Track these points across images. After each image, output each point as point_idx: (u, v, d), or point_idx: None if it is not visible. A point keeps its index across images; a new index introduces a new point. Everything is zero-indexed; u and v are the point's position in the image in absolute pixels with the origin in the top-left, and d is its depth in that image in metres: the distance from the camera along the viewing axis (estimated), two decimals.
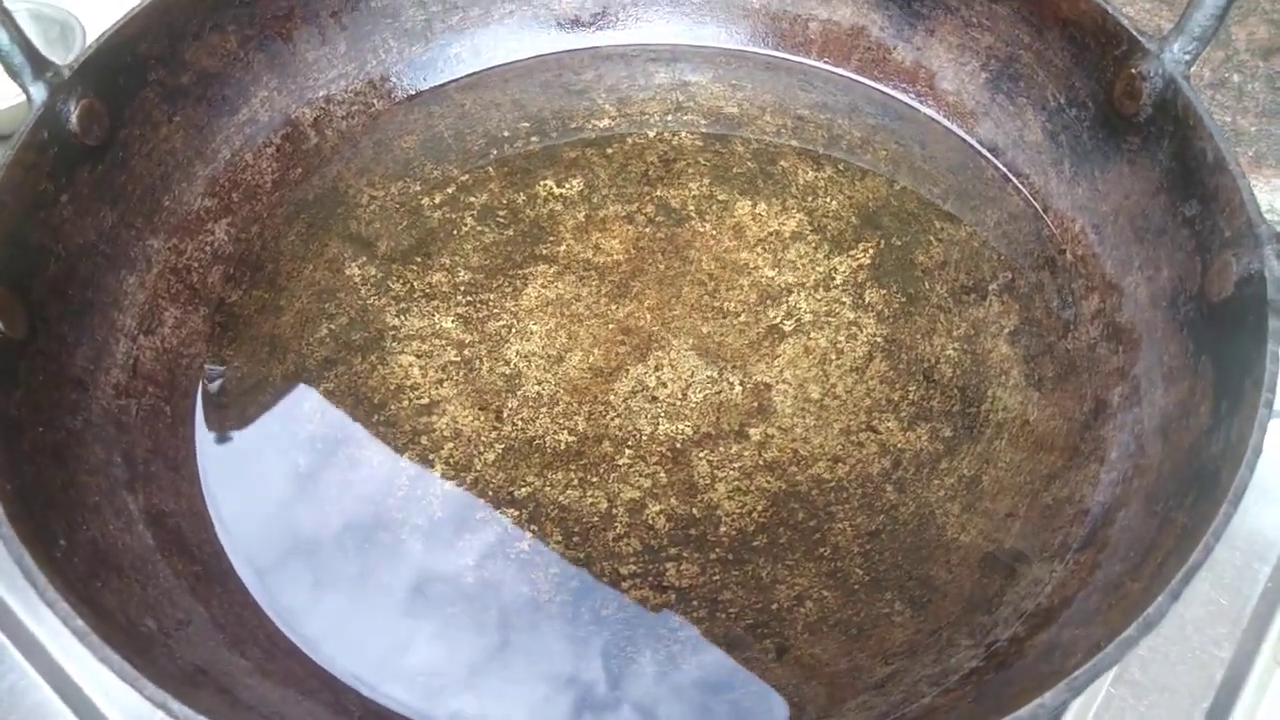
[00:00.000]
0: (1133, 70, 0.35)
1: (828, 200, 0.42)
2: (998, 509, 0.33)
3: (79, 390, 0.33)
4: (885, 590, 0.32)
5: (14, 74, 0.34)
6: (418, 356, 0.38)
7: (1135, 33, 0.35)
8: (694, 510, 0.34)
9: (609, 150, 0.44)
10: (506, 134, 0.44)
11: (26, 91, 0.34)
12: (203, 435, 0.36)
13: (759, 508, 0.34)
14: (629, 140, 0.44)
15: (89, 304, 0.35)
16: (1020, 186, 0.41)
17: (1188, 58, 0.34)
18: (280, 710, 0.27)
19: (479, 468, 0.35)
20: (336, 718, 0.28)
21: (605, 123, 0.45)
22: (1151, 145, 0.36)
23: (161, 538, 0.31)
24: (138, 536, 0.31)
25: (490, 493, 0.35)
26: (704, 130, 0.44)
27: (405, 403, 0.37)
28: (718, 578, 0.33)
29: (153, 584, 0.30)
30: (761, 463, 0.35)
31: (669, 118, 0.45)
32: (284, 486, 0.35)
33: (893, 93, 0.44)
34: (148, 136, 0.38)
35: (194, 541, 0.32)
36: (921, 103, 0.44)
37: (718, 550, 0.33)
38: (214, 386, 0.37)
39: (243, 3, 0.41)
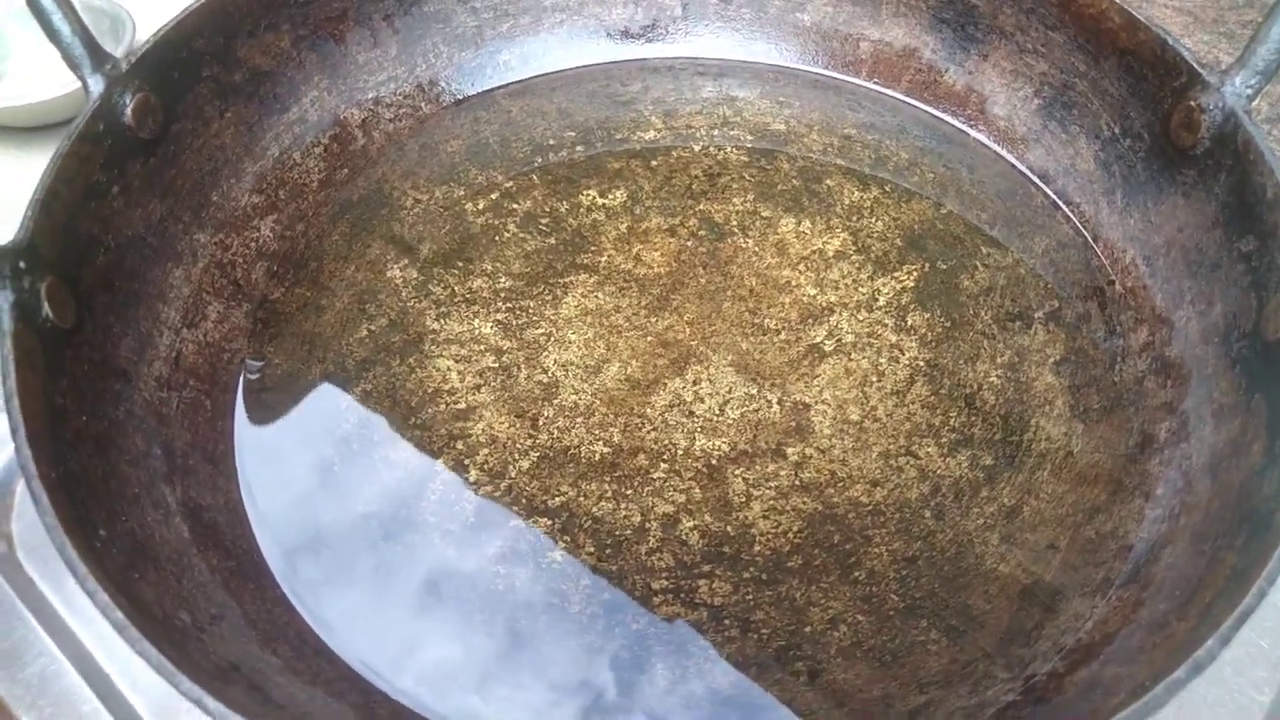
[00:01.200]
0: (1191, 102, 0.35)
1: (873, 221, 0.41)
2: (1038, 540, 0.33)
3: (122, 381, 0.33)
4: (920, 618, 0.31)
5: (73, 65, 0.34)
6: (456, 361, 0.38)
7: (1196, 65, 0.35)
8: (728, 528, 0.34)
9: (654, 162, 0.44)
10: (552, 142, 0.45)
11: (85, 83, 0.34)
12: (241, 431, 0.36)
13: (794, 528, 0.34)
14: (674, 153, 0.44)
15: (135, 296, 0.35)
16: (1070, 215, 0.40)
17: (1250, 91, 0.33)
18: (309, 710, 0.27)
19: (513, 475, 0.35)
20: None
21: (651, 135, 0.45)
22: (1208, 178, 0.35)
23: (198, 531, 0.31)
24: (175, 529, 0.31)
25: (524, 501, 0.35)
26: (749, 146, 0.44)
27: (442, 407, 0.37)
28: (750, 597, 0.32)
29: (188, 577, 0.30)
30: (798, 483, 0.35)
31: (715, 132, 0.45)
32: (317, 485, 0.35)
33: (942, 116, 0.44)
34: (199, 132, 0.39)
35: (229, 536, 0.32)
36: (971, 127, 0.44)
37: (751, 569, 0.33)
38: (254, 377, 0.37)
39: (297, 2, 0.41)
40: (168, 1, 0.38)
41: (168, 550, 0.30)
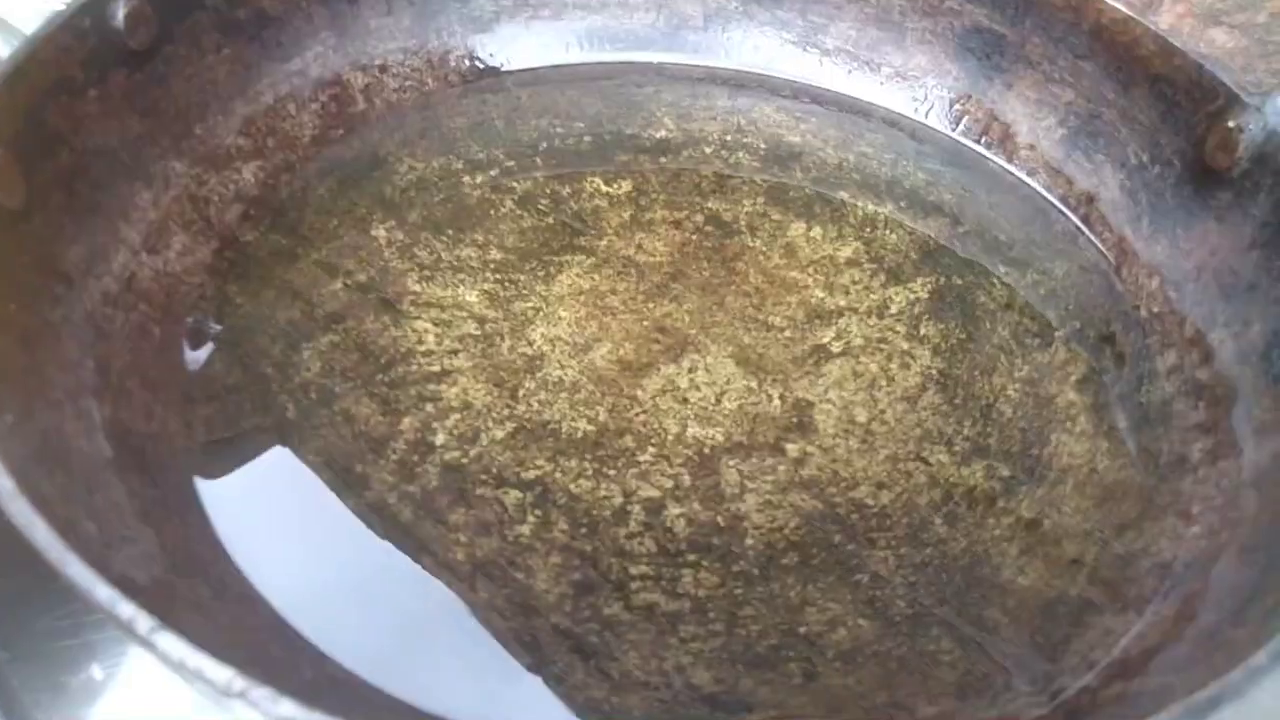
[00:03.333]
0: (1230, 123, 0.34)
1: (887, 233, 0.40)
2: (1062, 555, 0.29)
3: (65, 285, 0.30)
4: (930, 626, 0.28)
5: None
6: (434, 324, 0.35)
7: (1234, 87, 0.34)
8: (719, 519, 0.31)
9: (662, 159, 0.42)
10: (560, 129, 0.43)
11: None
12: (190, 366, 0.32)
13: (791, 524, 0.30)
14: (684, 153, 0.43)
15: (95, 205, 0.32)
16: (1094, 240, 0.39)
17: None
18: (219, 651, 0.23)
19: (485, 443, 0.32)
20: (288, 675, 0.24)
21: (662, 134, 0.43)
22: (1245, 200, 0.34)
23: (123, 454, 0.28)
24: (96, 445, 0.27)
25: (494, 470, 0.31)
26: (763, 153, 0.43)
27: (414, 367, 0.33)
28: (740, 592, 0.29)
29: (101, 494, 0.26)
30: (797, 479, 0.32)
31: (728, 138, 0.43)
32: (267, 429, 0.31)
33: (963, 141, 0.43)
34: (193, 60, 0.36)
35: (158, 465, 0.28)
36: (993, 153, 0.42)
37: (742, 563, 0.29)
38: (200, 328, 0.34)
39: None
40: None
41: (83, 461, 0.26)
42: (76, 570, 0.19)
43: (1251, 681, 0.19)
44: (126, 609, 0.18)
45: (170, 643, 0.18)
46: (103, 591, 0.18)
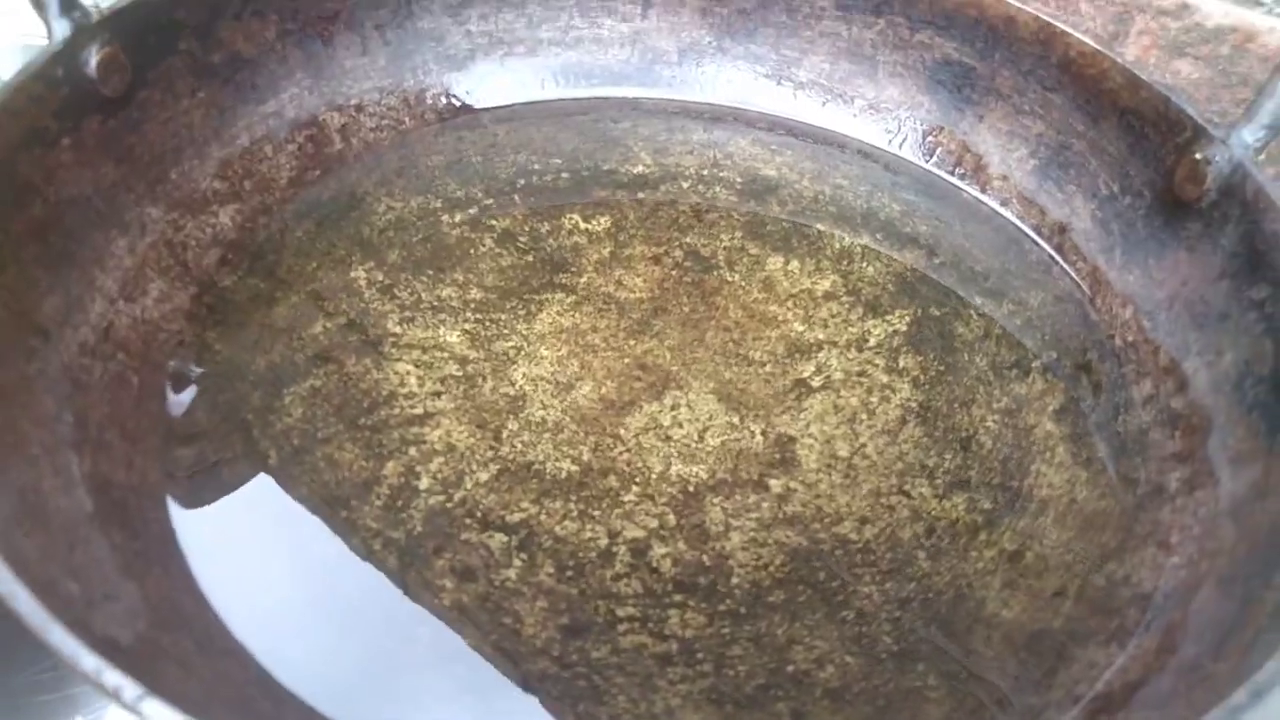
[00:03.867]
0: (1197, 155, 0.34)
1: (864, 266, 0.40)
2: (1044, 587, 0.30)
3: (41, 338, 0.30)
4: (917, 662, 0.28)
5: (39, 7, 0.32)
6: (416, 366, 0.35)
7: (1200, 120, 0.35)
8: (704, 558, 0.31)
9: (640, 195, 0.42)
10: (537, 166, 0.43)
11: (49, 26, 0.32)
12: (170, 414, 0.32)
13: (776, 561, 0.31)
14: (661, 188, 0.43)
15: (70, 256, 0.32)
16: (1068, 270, 0.39)
17: (1257, 144, 0.33)
18: (206, 709, 0.23)
19: (469, 486, 0.32)
20: None
21: (639, 169, 0.43)
22: (1214, 231, 0.34)
23: (103, 506, 0.27)
24: (76, 500, 0.27)
25: (479, 514, 0.31)
26: (739, 187, 0.43)
27: (397, 410, 0.33)
28: (727, 631, 0.29)
29: (82, 550, 0.25)
30: (781, 516, 0.32)
31: (704, 172, 0.44)
32: (248, 477, 0.31)
33: (936, 172, 0.43)
34: (167, 104, 0.36)
35: (139, 518, 0.28)
36: (966, 184, 0.43)
37: (728, 602, 0.29)
38: (191, 371, 0.33)
39: None
40: None
41: (62, 519, 0.26)
42: (59, 638, 0.18)
43: (1255, 701, 0.19)
44: (112, 678, 0.18)
45: (156, 710, 0.18)
46: (88, 661, 0.18)
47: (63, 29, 0.32)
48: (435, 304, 0.37)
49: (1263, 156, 0.34)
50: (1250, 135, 0.33)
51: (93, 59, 0.33)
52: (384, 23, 0.43)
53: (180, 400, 0.33)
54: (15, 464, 0.26)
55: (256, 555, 0.29)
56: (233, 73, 0.39)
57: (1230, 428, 0.31)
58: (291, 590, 0.29)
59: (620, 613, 0.29)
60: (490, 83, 0.45)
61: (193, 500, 0.30)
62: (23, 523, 0.24)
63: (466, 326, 0.36)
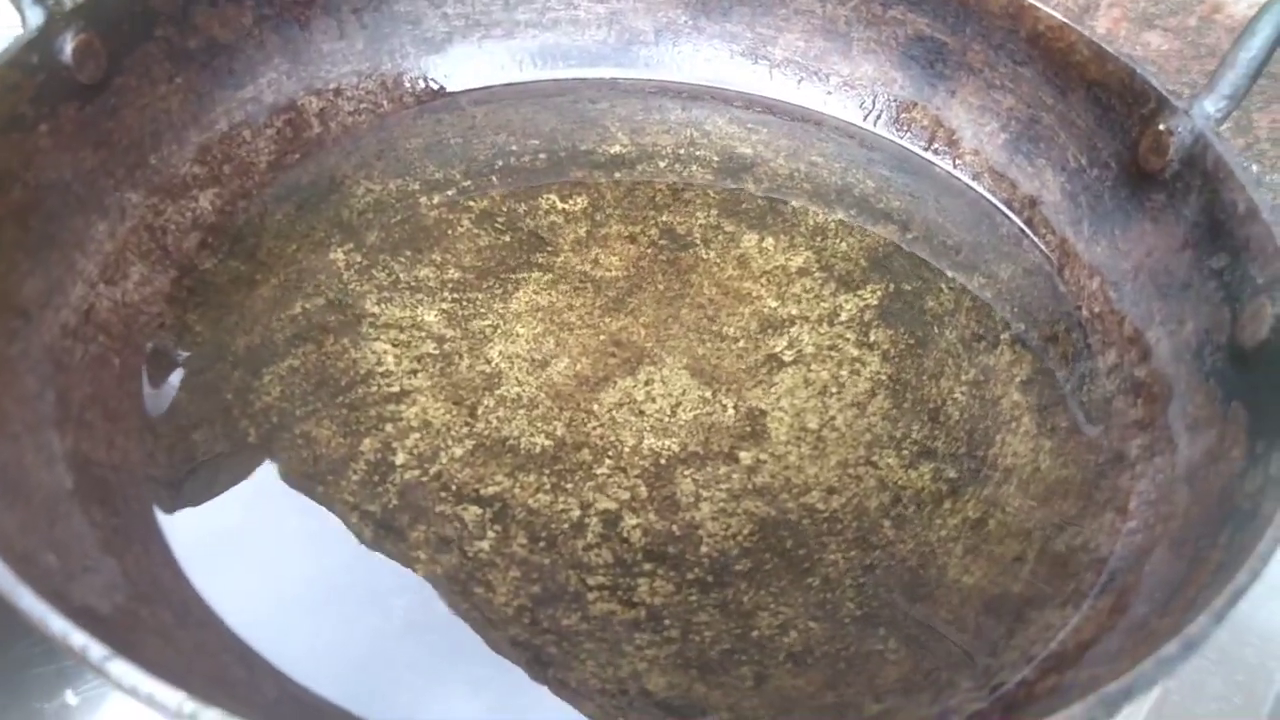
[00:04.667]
0: (1160, 126, 0.35)
1: (837, 242, 0.40)
2: (1005, 553, 0.30)
3: (22, 319, 0.30)
4: (878, 626, 0.29)
5: None
6: (393, 345, 0.35)
7: (1164, 91, 0.35)
8: (674, 528, 0.31)
9: (617, 175, 0.43)
10: (514, 148, 0.43)
11: (22, 14, 0.32)
12: (150, 394, 0.33)
13: (744, 531, 0.31)
14: (638, 168, 0.43)
15: (50, 239, 0.33)
16: (1037, 243, 0.40)
17: (1219, 115, 0.33)
18: (185, 681, 0.24)
19: (444, 461, 0.32)
20: (251, 696, 0.25)
21: (616, 149, 0.44)
22: (1177, 202, 0.35)
23: (84, 484, 0.28)
24: (56, 476, 0.28)
25: (454, 488, 0.32)
26: (716, 165, 0.43)
27: (374, 388, 0.34)
28: (694, 599, 0.30)
29: (62, 525, 0.26)
30: (750, 487, 0.32)
31: (681, 151, 0.44)
32: (227, 454, 0.32)
33: (910, 147, 0.44)
34: (144, 91, 0.37)
35: (120, 495, 0.29)
36: (938, 159, 0.43)
37: (696, 570, 0.30)
38: (174, 355, 0.34)
39: None
40: None
41: (43, 494, 0.26)
42: (29, 603, 0.19)
43: (1163, 671, 0.20)
44: (79, 639, 0.19)
45: (122, 670, 0.19)
46: (56, 623, 0.19)
47: (36, 16, 0.32)
48: (413, 284, 0.37)
49: (1228, 127, 0.34)
50: (1212, 105, 0.33)
51: (68, 46, 0.33)
52: (361, 6, 0.43)
53: (161, 381, 0.33)
54: None
55: (236, 531, 0.30)
56: (210, 58, 0.39)
57: (1189, 395, 0.31)
58: (270, 564, 0.30)
59: (591, 581, 0.30)
60: (467, 65, 0.46)
61: (173, 478, 0.31)
62: (3, 497, 0.25)
63: (444, 306, 0.37)
